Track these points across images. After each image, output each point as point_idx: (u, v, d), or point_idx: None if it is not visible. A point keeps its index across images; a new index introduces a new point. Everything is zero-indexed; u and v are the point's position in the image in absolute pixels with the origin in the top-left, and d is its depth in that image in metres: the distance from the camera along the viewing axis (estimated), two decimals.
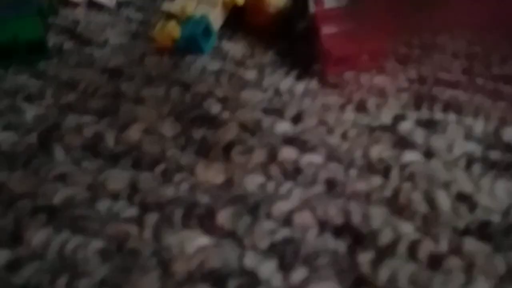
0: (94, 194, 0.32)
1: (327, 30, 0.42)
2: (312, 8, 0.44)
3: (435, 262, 0.28)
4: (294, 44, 0.47)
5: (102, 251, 0.29)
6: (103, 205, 0.32)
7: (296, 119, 0.39)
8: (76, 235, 0.30)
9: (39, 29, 0.46)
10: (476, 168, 0.34)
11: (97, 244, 0.29)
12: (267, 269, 0.28)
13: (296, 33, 0.47)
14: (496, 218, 0.31)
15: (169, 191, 0.33)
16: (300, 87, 0.42)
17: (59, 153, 0.36)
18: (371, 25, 0.41)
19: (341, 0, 0.44)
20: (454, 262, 0.28)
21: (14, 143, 0.37)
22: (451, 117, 0.39)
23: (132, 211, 0.31)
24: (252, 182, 0.33)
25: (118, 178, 0.34)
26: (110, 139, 0.37)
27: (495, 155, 0.35)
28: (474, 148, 0.36)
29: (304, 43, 0.46)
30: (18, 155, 0.36)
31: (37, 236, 0.30)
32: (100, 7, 0.54)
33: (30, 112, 0.40)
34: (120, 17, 0.53)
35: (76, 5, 0.54)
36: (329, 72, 0.42)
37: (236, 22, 0.49)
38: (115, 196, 0.32)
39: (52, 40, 0.48)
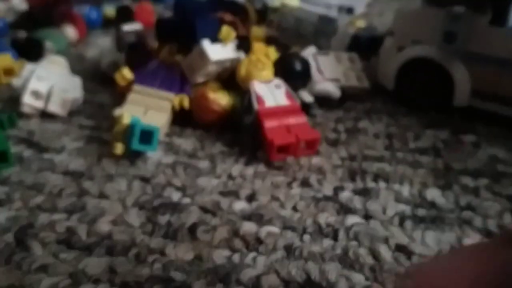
0: (76, 280, 0.35)
1: (269, 124, 0.49)
2: (255, 105, 0.51)
3: None
4: (238, 136, 0.53)
5: None
6: None
7: (251, 198, 0.44)
8: None
9: (2, 140, 0.48)
10: (408, 223, 0.41)
11: None
12: None
13: (244, 126, 0.53)
14: None
15: (144, 271, 0.36)
16: (250, 171, 0.48)
17: (36, 248, 0.38)
18: None
19: (277, 99, 0.52)
20: None
21: None
22: (381, 185, 0.46)
23: None
24: (220, 256, 0.37)
25: (96, 265, 0.36)
26: (82, 232, 0.40)
27: (422, 212, 0.42)
28: (404, 208, 0.43)
29: (247, 135, 0.52)
30: None
31: None
32: (53, 117, 0.58)
33: (2, 215, 0.42)
34: (72, 124, 0.57)
35: (30, 116, 0.58)
36: (273, 158, 0.48)
37: (185, 119, 0.55)
38: (96, 280, 0.35)
39: (12, 149, 0.51)
